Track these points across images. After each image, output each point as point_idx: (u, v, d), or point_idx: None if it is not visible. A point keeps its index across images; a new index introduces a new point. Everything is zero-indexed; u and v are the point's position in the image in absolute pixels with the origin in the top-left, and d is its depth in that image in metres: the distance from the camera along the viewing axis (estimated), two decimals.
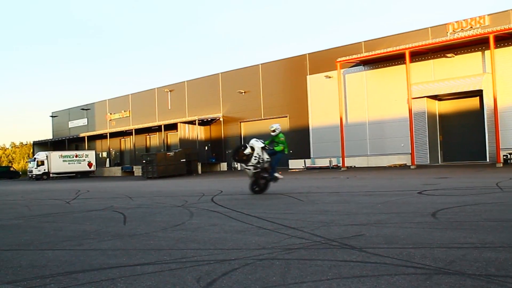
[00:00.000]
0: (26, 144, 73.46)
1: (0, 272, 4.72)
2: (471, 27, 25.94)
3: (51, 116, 57.80)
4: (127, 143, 48.68)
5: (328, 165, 30.45)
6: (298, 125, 34.03)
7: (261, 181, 11.97)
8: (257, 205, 10.06)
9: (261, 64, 36.90)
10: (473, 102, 26.98)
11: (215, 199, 11.57)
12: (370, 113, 29.89)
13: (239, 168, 37.53)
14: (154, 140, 45.66)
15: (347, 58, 28.99)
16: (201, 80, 41.49)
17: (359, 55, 28.91)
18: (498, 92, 23.80)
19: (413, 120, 26.44)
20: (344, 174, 22.81)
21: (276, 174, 12.22)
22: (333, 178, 20.43)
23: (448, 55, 26.29)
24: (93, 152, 46.47)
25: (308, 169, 31.18)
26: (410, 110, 26.32)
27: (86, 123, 52.80)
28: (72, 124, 54.62)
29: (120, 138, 48.85)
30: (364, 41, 30.58)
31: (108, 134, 46.99)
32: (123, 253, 5.44)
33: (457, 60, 26.28)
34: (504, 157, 23.82)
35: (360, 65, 30.29)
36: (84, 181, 35.37)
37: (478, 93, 25.64)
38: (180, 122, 38.49)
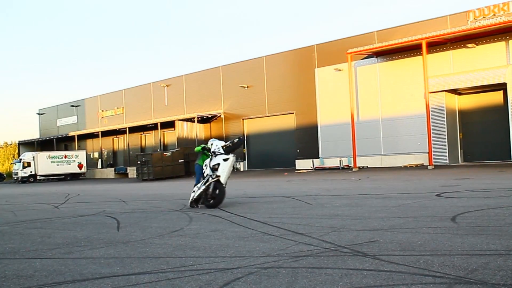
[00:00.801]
0: (11, 144, 73.72)
1: None
2: (494, 15, 25.82)
3: (38, 114, 58.02)
4: (121, 142, 48.78)
5: (338, 165, 30.43)
6: (305, 122, 34.00)
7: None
8: (262, 209, 10.08)
9: (265, 56, 36.88)
10: (496, 96, 26.86)
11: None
12: (383, 109, 29.83)
13: (241, 169, 37.59)
14: (150, 139, 45.76)
15: (359, 49, 28.93)
16: (201, 74, 41.50)
17: (371, 46, 28.85)
18: None
19: (430, 116, 26.35)
20: (356, 175, 22.79)
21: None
22: (344, 179, 20.42)
23: (469, 45, 26.18)
24: (84, 152, 46.62)
25: (317, 169, 31.17)
26: (427, 106, 26.24)
27: (76, 121, 52.94)
28: (60, 122, 54.79)
29: (113, 137, 48.96)
30: (377, 31, 30.50)
31: (100, 133, 47.12)
32: (116, 262, 5.45)
33: (479, 50, 26.17)
34: None
35: (373, 57, 30.23)
36: (74, 183, 35.51)
37: (502, 87, 25.52)
38: (178, 120, 38.54)
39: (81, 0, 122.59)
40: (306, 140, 33.93)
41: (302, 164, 33.50)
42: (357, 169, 28.28)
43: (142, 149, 45.64)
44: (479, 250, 4.97)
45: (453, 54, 27.08)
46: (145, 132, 45.76)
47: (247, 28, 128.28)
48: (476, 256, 4.73)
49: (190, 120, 38.87)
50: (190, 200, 10.95)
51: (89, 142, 50.98)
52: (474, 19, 26.38)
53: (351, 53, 28.97)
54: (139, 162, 34.80)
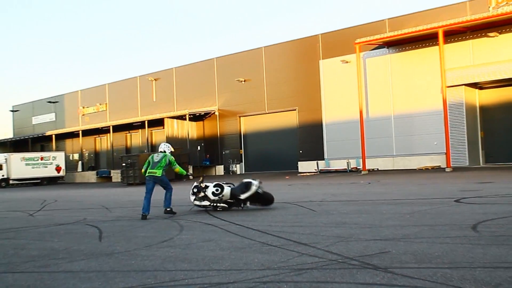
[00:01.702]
0: None
1: None
2: None
3: (12, 111, 57.96)
4: (103, 142, 48.73)
5: (346, 168, 30.45)
6: (309, 120, 34.01)
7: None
8: (260, 216, 10.07)
9: (265, 47, 36.88)
10: None
11: (210, 210, 11.58)
12: (396, 105, 29.85)
13: (238, 172, 37.58)
14: (136, 138, 45.72)
15: (368, 39, 28.93)
16: (193, 66, 41.48)
17: (382, 35, 28.86)
18: None
19: (448, 113, 26.38)
20: (365, 179, 22.81)
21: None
22: (352, 183, 20.42)
23: (491, 34, 26.22)
24: (62, 153, 46.54)
25: (322, 172, 31.18)
26: (444, 101, 26.27)
27: (54, 119, 52.89)
28: (36, 120, 54.73)
29: (95, 136, 48.92)
30: (389, 19, 30.52)
31: (80, 132, 47.07)
32: (98, 276, 5.43)
33: (501, 40, 26.20)
34: None
35: (384, 48, 30.25)
36: (51, 188, 35.47)
37: None
38: (167, 117, 38.52)
39: None
40: (309, 139, 33.92)
41: (306, 166, 33.50)
42: (367, 171, 28.30)
43: (128, 150, 45.58)
44: (503, 262, 4.95)
45: (473, 44, 27.11)
46: (130, 131, 45.72)
47: (244, 16, 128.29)
48: (501, 269, 4.72)
49: (181, 117, 38.85)
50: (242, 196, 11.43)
51: (68, 142, 50.89)
52: (497, 5, 26.40)
53: (359, 43, 28.98)
54: (124, 164, 34.78)
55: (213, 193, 11.50)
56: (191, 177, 12.65)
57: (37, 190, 33.88)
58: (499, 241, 6.09)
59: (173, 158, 11.88)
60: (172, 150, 12.18)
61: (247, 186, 11.59)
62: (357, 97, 29.33)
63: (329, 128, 32.83)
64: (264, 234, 7.58)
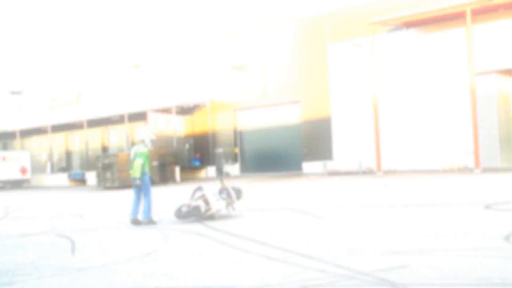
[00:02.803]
0: None
1: None
2: None
3: None
4: (76, 140, 48.64)
5: (358, 168, 30.44)
6: (315, 114, 33.96)
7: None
8: (258, 225, 10.07)
9: (264, 27, 36.81)
10: None
11: (198, 218, 11.57)
12: (416, 96, 29.79)
13: (232, 174, 37.55)
14: (115, 135, 45.65)
15: (384, 18, 28.89)
16: (180, 50, 41.37)
17: (400, 15, 28.81)
18: None
19: (477, 105, 26.38)
20: (380, 181, 22.81)
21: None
22: (365, 186, 20.42)
23: None
24: (28, 153, 46.47)
25: (330, 174, 31.17)
26: (472, 91, 26.27)
27: (18, 112, 52.75)
28: None
29: (67, 132, 48.82)
30: None
31: (49, 128, 46.99)
32: None
33: None
34: None
35: (403, 29, 30.22)
36: (15, 193, 35.39)
37: None
38: (151, 111, 38.45)
39: None
40: (316, 136, 33.89)
41: (311, 167, 33.48)
42: (382, 173, 28.31)
43: (105, 148, 45.52)
44: None
45: (508, 24, 27.09)
46: (108, 127, 45.65)
47: None
48: None
49: (167, 111, 38.78)
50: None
51: (34, 139, 50.80)
52: None
53: (374, 23, 28.94)
54: (100, 165, 34.74)
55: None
56: (136, 182, 10.98)
57: None
58: None
59: (144, 151, 11.06)
60: (153, 137, 11.34)
61: (241, 193, 11.63)
62: (371, 87, 29.31)
63: (338, 123, 32.80)
64: (262, 245, 7.58)
